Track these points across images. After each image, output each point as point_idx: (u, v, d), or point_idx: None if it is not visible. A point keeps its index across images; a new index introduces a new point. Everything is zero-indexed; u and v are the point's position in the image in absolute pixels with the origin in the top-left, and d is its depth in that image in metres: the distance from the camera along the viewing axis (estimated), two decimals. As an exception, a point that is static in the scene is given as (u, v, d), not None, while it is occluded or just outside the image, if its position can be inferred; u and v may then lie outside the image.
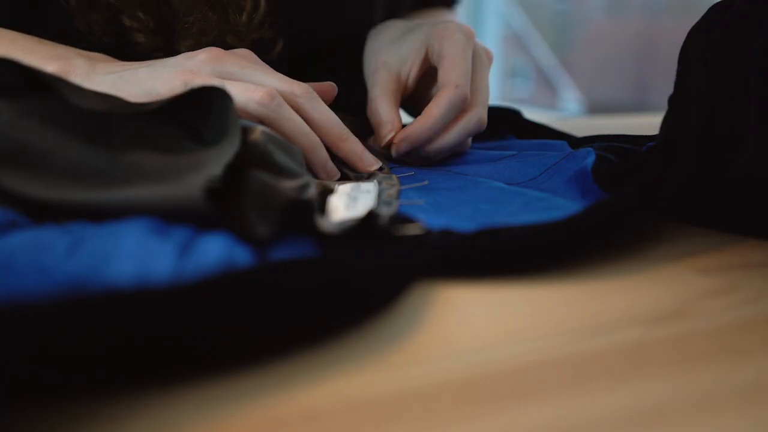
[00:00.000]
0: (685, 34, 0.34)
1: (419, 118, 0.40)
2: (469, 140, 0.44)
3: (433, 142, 0.41)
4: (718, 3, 0.34)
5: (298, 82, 0.37)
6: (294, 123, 0.35)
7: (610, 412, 0.18)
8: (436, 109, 0.40)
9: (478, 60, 0.43)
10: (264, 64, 0.38)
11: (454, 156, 0.44)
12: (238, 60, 0.37)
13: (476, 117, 0.41)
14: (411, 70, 0.44)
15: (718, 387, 0.19)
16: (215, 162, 0.27)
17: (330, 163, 0.38)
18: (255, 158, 0.29)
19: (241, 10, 0.43)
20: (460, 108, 0.40)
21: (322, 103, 0.38)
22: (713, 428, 0.17)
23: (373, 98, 0.43)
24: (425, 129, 0.40)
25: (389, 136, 0.41)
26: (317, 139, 0.37)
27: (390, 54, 0.45)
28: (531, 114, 0.55)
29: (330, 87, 0.40)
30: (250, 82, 0.36)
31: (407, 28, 0.46)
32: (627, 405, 0.18)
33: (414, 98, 0.46)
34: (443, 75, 0.41)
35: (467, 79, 0.40)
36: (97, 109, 0.29)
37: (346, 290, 0.22)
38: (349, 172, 0.39)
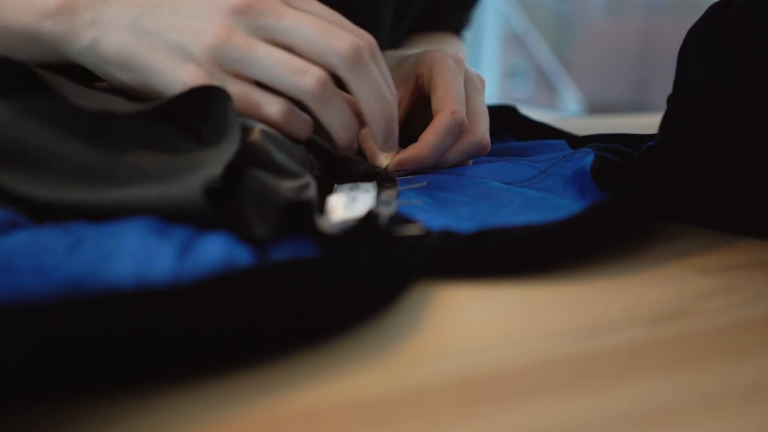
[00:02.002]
0: (685, 34, 0.34)
1: (415, 144, 0.39)
2: (470, 162, 0.43)
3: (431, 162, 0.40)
4: (717, 3, 0.34)
5: (360, 34, 0.32)
6: (337, 116, 0.32)
7: (610, 412, 0.18)
8: (432, 136, 0.39)
9: (471, 84, 0.42)
10: None
11: None
12: (276, 9, 0.31)
13: (476, 141, 0.40)
14: (401, 100, 0.43)
15: (718, 387, 0.19)
16: (215, 162, 0.27)
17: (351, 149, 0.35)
18: (254, 158, 0.29)
19: None
20: (457, 134, 0.39)
21: (382, 71, 0.33)
22: (714, 428, 0.17)
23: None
24: (422, 156, 0.39)
25: (386, 163, 0.40)
26: (355, 131, 0.34)
27: None
28: (531, 114, 0.55)
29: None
30: (297, 46, 0.31)
31: (399, 60, 0.45)
32: (627, 405, 0.18)
33: (407, 127, 0.45)
34: (437, 102, 0.40)
35: (462, 104, 0.39)
36: (95, 110, 0.29)
37: (346, 290, 0.22)
38: (356, 165, 0.39)
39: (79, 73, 0.35)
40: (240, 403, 0.18)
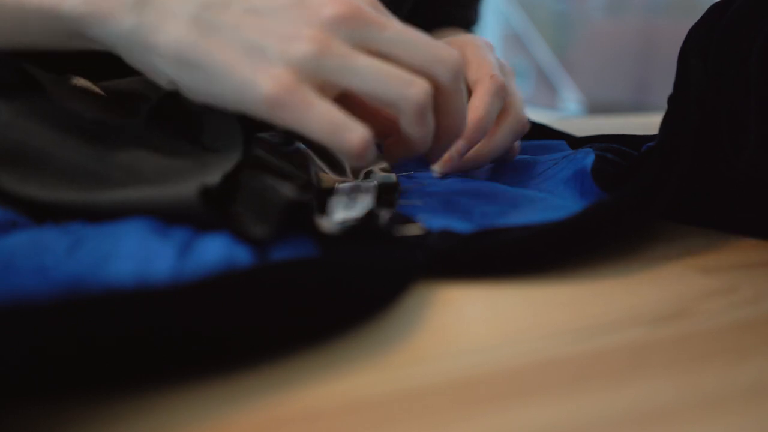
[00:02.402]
0: (685, 34, 0.34)
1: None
2: (517, 144, 0.41)
3: (483, 146, 0.38)
4: (718, 3, 0.34)
5: (453, 53, 0.30)
6: (427, 130, 0.30)
7: (610, 412, 0.18)
8: (478, 101, 0.36)
9: (503, 68, 0.41)
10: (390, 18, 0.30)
11: None
12: (378, 20, 0.29)
13: (517, 117, 0.39)
14: None
15: (719, 387, 0.19)
16: (214, 168, 0.27)
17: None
18: (253, 160, 0.29)
19: None
20: (502, 98, 0.37)
21: (464, 96, 0.31)
22: (714, 428, 0.17)
23: None
24: (475, 125, 0.36)
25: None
26: (430, 143, 0.31)
27: None
28: (531, 114, 0.55)
29: None
30: (402, 57, 0.29)
31: None
32: (627, 405, 0.18)
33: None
34: (473, 73, 0.38)
35: (498, 72, 0.38)
36: (88, 117, 0.28)
37: (346, 290, 0.22)
38: (348, 169, 0.39)
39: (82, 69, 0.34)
40: (240, 403, 0.18)
